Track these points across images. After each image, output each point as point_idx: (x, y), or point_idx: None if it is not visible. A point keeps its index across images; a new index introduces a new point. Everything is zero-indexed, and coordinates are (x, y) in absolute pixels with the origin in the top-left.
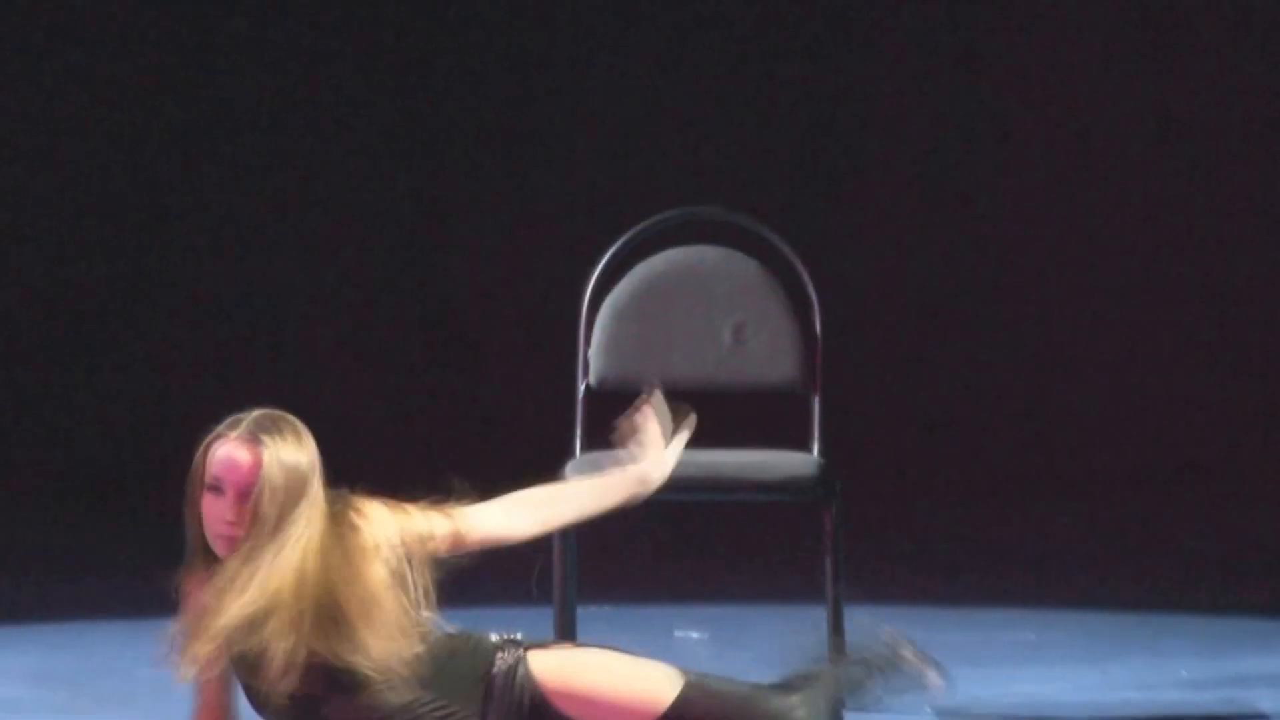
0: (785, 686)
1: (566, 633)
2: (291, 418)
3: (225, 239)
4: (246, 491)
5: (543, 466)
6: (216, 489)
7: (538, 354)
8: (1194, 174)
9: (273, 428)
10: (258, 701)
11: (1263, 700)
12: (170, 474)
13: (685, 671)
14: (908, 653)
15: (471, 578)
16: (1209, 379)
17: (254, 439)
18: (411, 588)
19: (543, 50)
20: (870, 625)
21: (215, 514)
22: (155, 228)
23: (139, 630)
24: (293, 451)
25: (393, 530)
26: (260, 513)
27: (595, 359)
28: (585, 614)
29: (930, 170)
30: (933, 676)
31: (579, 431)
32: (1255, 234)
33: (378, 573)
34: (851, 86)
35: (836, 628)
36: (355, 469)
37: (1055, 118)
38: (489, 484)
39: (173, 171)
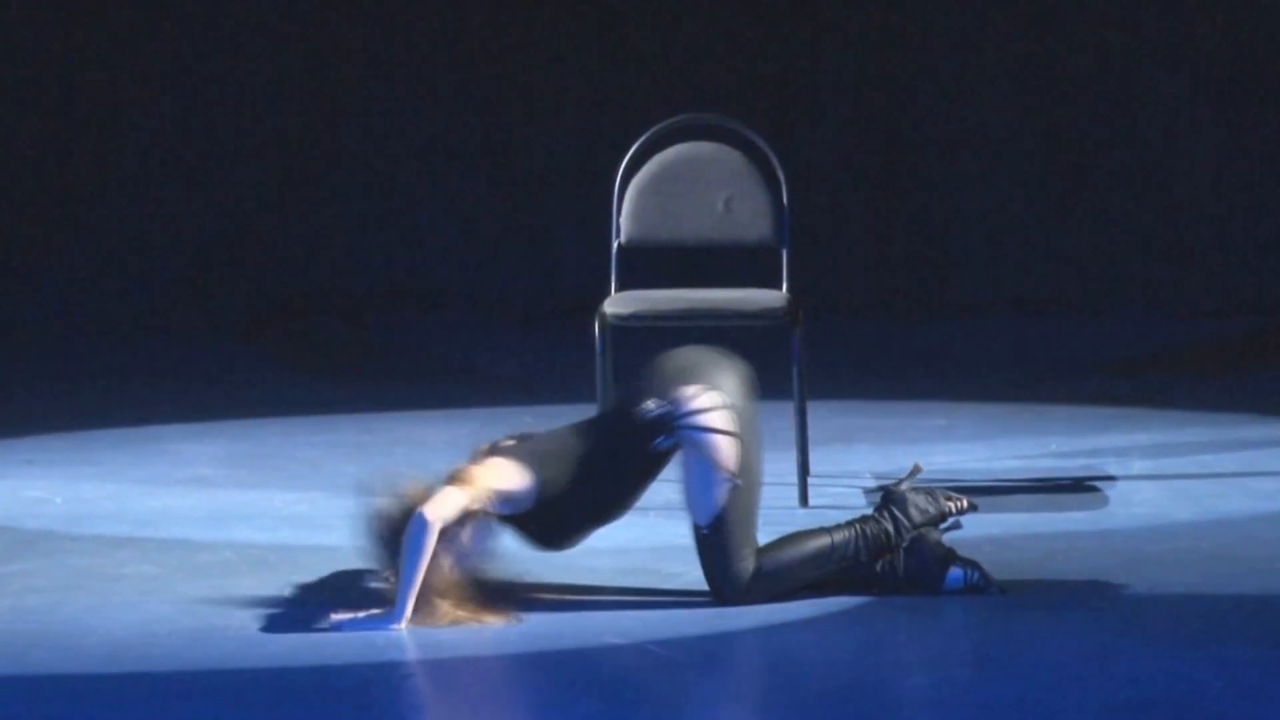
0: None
1: None
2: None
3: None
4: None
5: (589, 299)
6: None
7: (585, 217)
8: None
9: None
10: None
11: (1110, 466)
12: (321, 308)
13: (744, 475)
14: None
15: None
16: (1067, 228)
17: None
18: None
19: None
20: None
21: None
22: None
23: (297, 425)
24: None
25: None
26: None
27: (625, 223)
28: None
29: (863, 95)
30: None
31: (614, 276)
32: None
33: None
34: (804, 24)
35: (801, 422)
36: (444, 294)
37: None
38: (552, 314)
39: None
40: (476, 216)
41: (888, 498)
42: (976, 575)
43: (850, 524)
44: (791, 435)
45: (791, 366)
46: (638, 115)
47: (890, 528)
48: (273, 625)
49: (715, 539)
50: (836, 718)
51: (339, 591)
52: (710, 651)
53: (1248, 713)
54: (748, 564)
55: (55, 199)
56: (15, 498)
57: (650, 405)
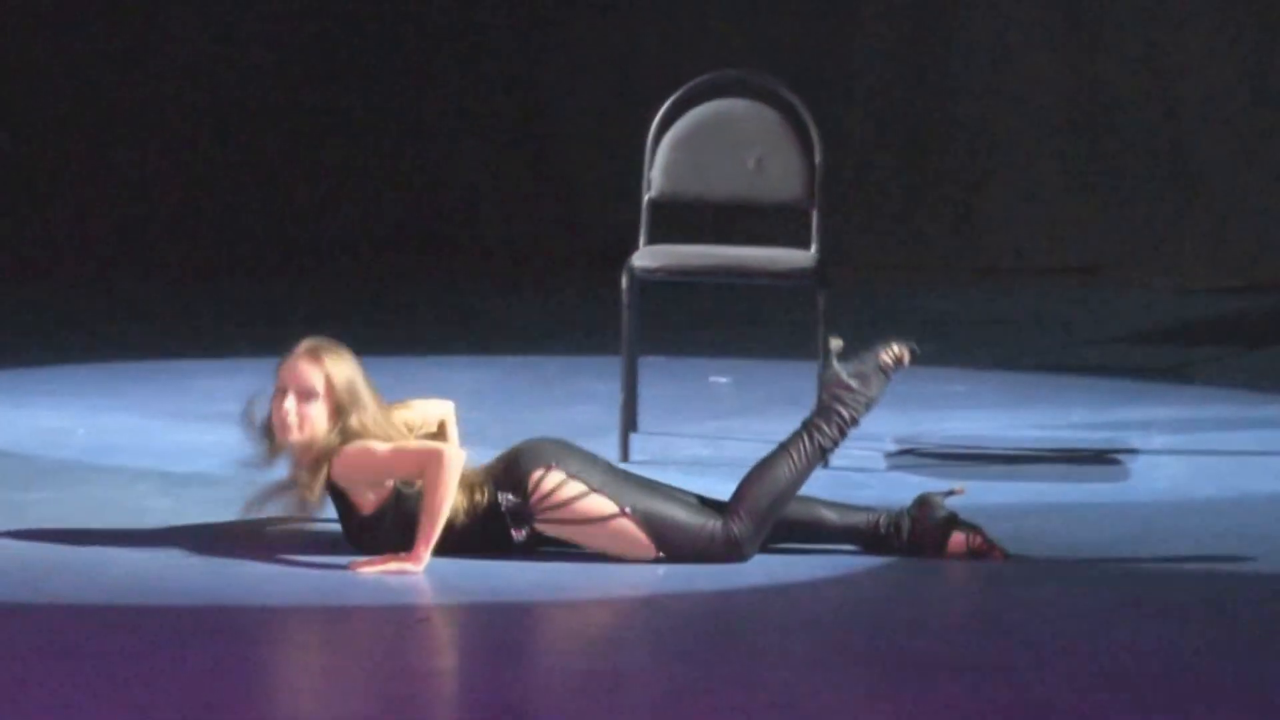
0: (717, 506)
1: (631, 376)
2: (346, 351)
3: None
4: (306, 393)
5: (618, 253)
6: (282, 391)
7: (616, 170)
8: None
9: (330, 349)
10: None
11: (1134, 439)
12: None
13: (624, 502)
14: (886, 358)
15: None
16: (1097, 197)
17: (318, 361)
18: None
19: None
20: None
21: (279, 406)
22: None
23: None
24: (347, 370)
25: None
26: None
27: (656, 177)
28: (644, 363)
29: (899, 56)
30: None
31: (643, 229)
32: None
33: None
34: None
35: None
36: (472, 241)
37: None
38: (580, 266)
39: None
40: (506, 165)
41: (822, 384)
42: (979, 540)
43: (802, 430)
44: (813, 396)
45: (817, 327)
46: (672, 70)
47: (843, 411)
48: (292, 562)
49: (673, 548)
50: (846, 677)
51: None
52: (718, 609)
53: (1247, 691)
54: (716, 534)
55: (84, 129)
56: (38, 427)
57: (508, 496)
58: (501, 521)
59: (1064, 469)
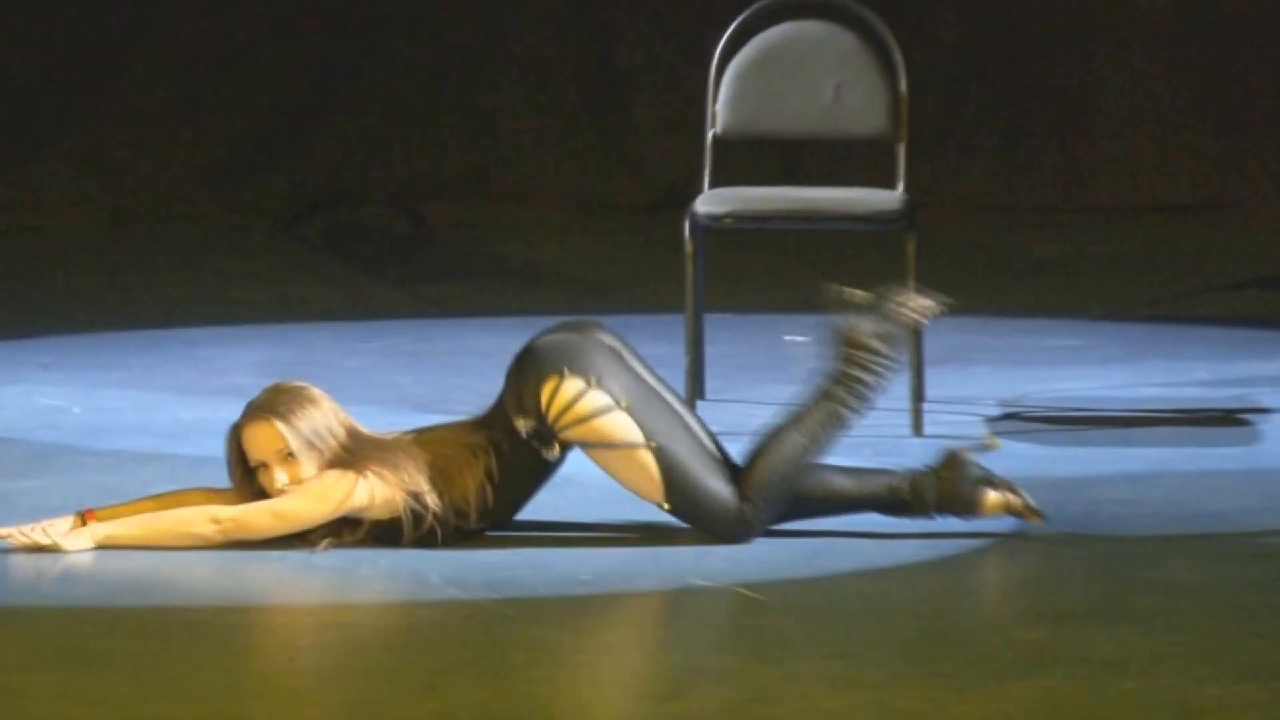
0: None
1: (696, 336)
2: (290, 386)
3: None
4: (285, 454)
5: (681, 196)
6: (264, 466)
7: (677, 103)
8: None
9: (277, 403)
10: None
11: (1266, 398)
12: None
13: (649, 433)
14: (896, 308)
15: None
16: (1219, 122)
17: (265, 418)
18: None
19: None
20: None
21: (273, 482)
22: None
23: (346, 330)
24: (302, 414)
25: None
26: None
27: (721, 112)
28: (710, 321)
29: None
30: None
31: (707, 171)
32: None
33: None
34: None
35: (916, 340)
36: (514, 186)
37: None
38: (637, 211)
39: None
40: (553, 98)
41: (838, 340)
42: (1018, 500)
43: (820, 397)
44: (904, 355)
45: (906, 277)
46: None
47: (867, 377)
48: (308, 556)
49: (682, 503)
50: (949, 672)
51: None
52: (803, 596)
53: None
54: (729, 509)
55: (79, 70)
56: (29, 406)
57: (521, 424)
58: (529, 446)
59: (1186, 432)
